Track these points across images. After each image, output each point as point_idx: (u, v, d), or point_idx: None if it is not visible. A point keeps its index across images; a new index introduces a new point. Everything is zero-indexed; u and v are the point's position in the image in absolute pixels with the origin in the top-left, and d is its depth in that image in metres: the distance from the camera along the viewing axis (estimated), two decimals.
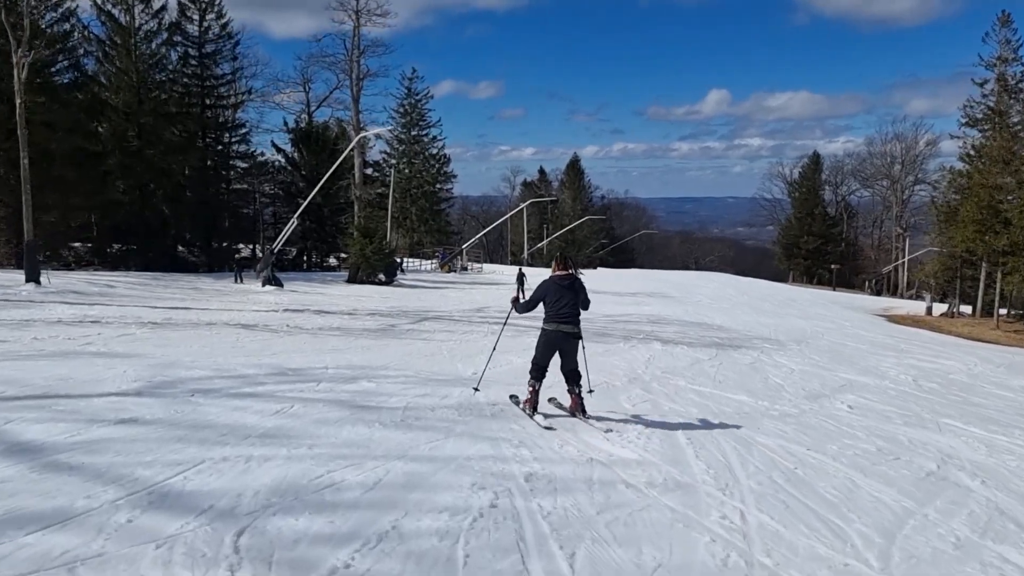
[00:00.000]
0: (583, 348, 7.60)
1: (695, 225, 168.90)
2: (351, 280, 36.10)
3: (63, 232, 35.16)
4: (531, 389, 7.43)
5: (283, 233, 28.41)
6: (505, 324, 9.95)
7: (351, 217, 38.16)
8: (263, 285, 28.70)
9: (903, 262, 70.22)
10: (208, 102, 39.89)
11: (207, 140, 39.49)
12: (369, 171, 70.80)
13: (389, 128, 28.84)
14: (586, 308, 7.38)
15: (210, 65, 39.61)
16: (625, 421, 7.89)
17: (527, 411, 7.47)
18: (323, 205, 47.24)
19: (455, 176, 74.31)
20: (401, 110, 71.01)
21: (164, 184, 37.09)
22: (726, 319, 26.23)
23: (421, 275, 47.62)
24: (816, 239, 79.14)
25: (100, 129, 35.31)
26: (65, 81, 33.36)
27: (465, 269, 54.11)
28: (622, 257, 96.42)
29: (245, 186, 48.01)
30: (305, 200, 31.77)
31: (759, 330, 22.56)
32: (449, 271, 49.89)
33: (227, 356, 11.42)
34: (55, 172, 33.60)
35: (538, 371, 7.38)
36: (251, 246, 49.91)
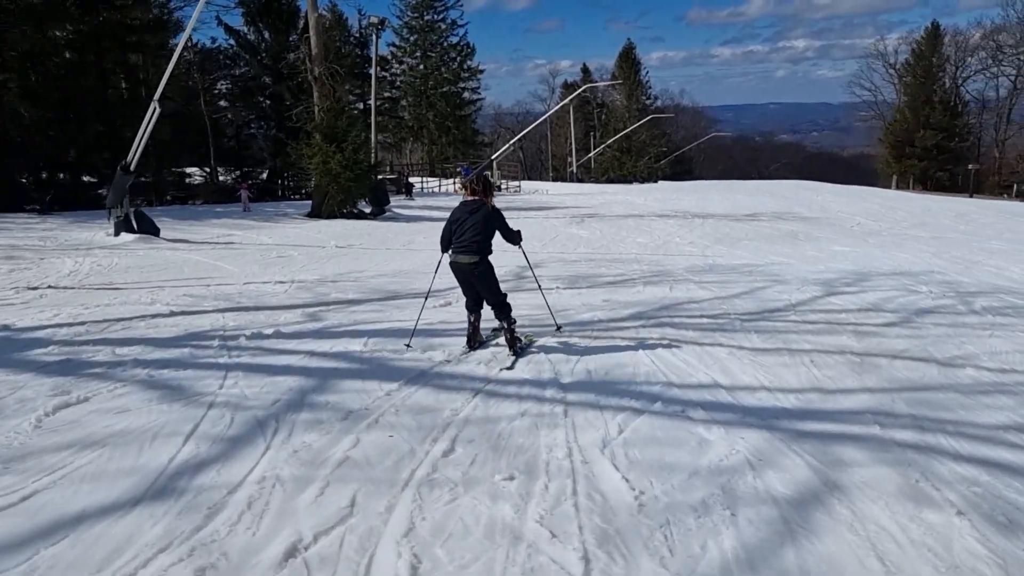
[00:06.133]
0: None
1: (738, 133, 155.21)
2: (314, 214, 22.61)
3: None
4: (467, 321, 6.43)
5: (139, 136, 14.87)
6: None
7: (307, 113, 24.07)
8: (116, 233, 15.38)
9: None
10: None
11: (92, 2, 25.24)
12: (381, 72, 56.54)
13: None
14: (512, 242, 6.32)
15: None
16: None
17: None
18: (293, 104, 33.44)
19: (482, 71, 59.24)
20: None
21: (20, 73, 23.65)
22: (984, 264, 12.39)
23: (436, 200, 33.92)
24: (936, 133, 63.02)
25: None
26: None
27: (497, 189, 39.61)
28: (679, 168, 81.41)
29: (191, 83, 34.38)
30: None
31: None
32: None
33: None
34: None
35: (468, 302, 6.38)
36: (205, 171, 36.52)
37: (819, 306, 8.42)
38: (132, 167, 15.22)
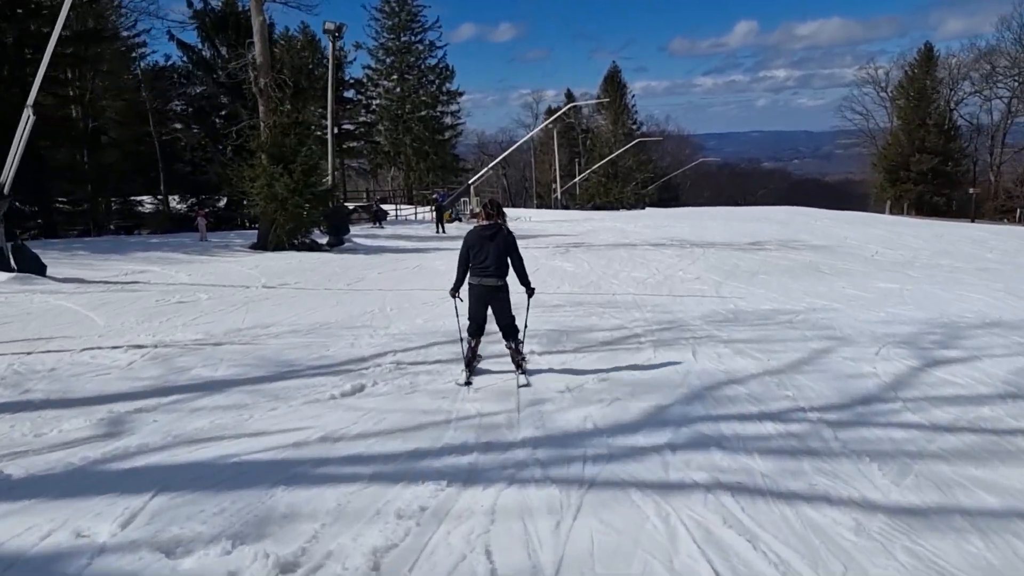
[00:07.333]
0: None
1: (723, 160, 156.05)
2: (259, 245, 19.60)
3: None
4: (467, 346, 6.34)
5: (12, 152, 11.91)
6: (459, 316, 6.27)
7: (252, 130, 21.15)
8: None
9: None
10: None
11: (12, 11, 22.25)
12: (351, 93, 53.75)
13: None
14: (519, 272, 6.11)
15: None
16: None
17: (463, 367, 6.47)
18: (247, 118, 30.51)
19: (461, 94, 56.60)
20: (386, 10, 53.46)
21: None
22: None
23: (408, 228, 30.98)
24: (931, 157, 60.90)
25: None
26: None
27: (475, 216, 36.54)
28: (666, 195, 79.07)
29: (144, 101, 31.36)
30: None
31: None
32: (450, 220, 32.50)
33: None
34: None
35: (472, 327, 6.29)
36: (157, 199, 33.49)
37: (931, 389, 5.50)
38: (6, 190, 12.20)
